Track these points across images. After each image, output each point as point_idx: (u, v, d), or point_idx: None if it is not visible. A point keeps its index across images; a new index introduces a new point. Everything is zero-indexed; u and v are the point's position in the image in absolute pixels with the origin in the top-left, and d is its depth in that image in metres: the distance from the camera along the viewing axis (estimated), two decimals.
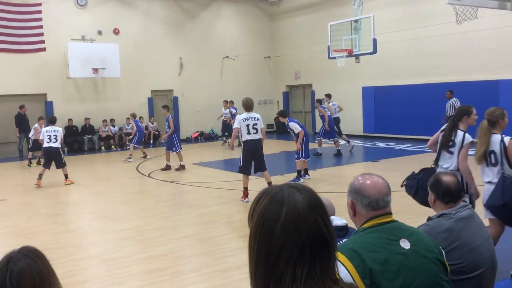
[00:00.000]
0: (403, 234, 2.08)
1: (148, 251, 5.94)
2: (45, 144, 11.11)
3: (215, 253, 5.76)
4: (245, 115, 8.52)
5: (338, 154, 13.63)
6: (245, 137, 8.46)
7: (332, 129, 13.62)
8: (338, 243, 2.01)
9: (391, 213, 2.18)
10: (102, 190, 10.54)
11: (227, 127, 18.13)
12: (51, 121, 11.69)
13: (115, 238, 6.56)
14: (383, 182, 2.21)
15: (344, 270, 1.94)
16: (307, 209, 1.15)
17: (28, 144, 15.86)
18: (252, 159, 8.58)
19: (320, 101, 14.12)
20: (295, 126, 10.16)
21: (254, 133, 8.50)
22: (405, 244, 2.05)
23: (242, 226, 6.73)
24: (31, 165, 14.49)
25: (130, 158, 14.62)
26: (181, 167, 12.26)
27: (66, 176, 11.13)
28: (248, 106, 8.62)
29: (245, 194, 8.44)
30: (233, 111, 17.68)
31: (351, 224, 2.99)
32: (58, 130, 11.30)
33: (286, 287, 1.11)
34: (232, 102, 18.68)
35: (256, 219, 1.17)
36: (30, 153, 14.74)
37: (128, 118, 18.96)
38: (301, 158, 10.16)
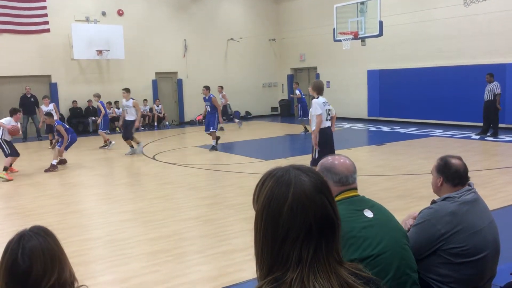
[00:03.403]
0: (366, 205, 2.31)
1: (152, 232, 5.98)
2: None
3: (218, 235, 5.80)
4: (322, 99, 7.48)
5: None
6: (324, 123, 7.39)
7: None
8: None
9: (356, 189, 2.38)
10: (106, 172, 10.58)
11: None
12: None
13: (119, 220, 6.61)
14: (350, 162, 2.42)
15: None
16: (314, 190, 1.15)
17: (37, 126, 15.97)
18: (329, 149, 7.46)
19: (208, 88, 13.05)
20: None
21: (328, 120, 7.52)
22: (368, 213, 2.26)
23: (245, 208, 6.77)
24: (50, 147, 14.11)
25: (109, 143, 13.99)
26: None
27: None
28: (321, 89, 7.64)
29: None
30: (297, 92, 16.33)
31: None
32: None
33: (292, 268, 1.12)
34: (297, 83, 17.58)
35: (262, 201, 1.17)
36: (50, 134, 14.26)
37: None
38: None
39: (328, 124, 7.46)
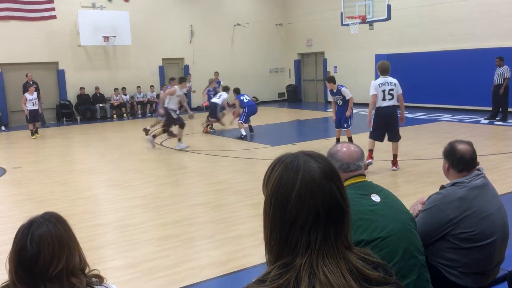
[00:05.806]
0: (373, 190, 2.34)
1: (161, 218, 6.03)
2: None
3: (227, 220, 5.84)
4: (381, 80, 7.95)
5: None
6: (379, 103, 7.90)
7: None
8: None
9: (363, 175, 2.41)
10: (115, 158, 10.64)
11: None
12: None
13: (129, 205, 6.67)
14: (355, 150, 2.44)
15: None
16: (323, 177, 1.16)
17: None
18: (386, 127, 8.00)
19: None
20: (347, 92, 10.04)
21: (389, 99, 7.93)
22: (375, 198, 2.29)
23: (253, 194, 6.79)
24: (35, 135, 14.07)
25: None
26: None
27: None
28: (383, 70, 8.00)
29: (370, 155, 8.09)
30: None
31: None
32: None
33: (300, 253, 1.13)
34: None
35: (271, 187, 1.18)
36: (31, 124, 13.91)
37: (139, 87, 18.98)
38: (351, 127, 10.05)
39: (386, 103, 7.88)
